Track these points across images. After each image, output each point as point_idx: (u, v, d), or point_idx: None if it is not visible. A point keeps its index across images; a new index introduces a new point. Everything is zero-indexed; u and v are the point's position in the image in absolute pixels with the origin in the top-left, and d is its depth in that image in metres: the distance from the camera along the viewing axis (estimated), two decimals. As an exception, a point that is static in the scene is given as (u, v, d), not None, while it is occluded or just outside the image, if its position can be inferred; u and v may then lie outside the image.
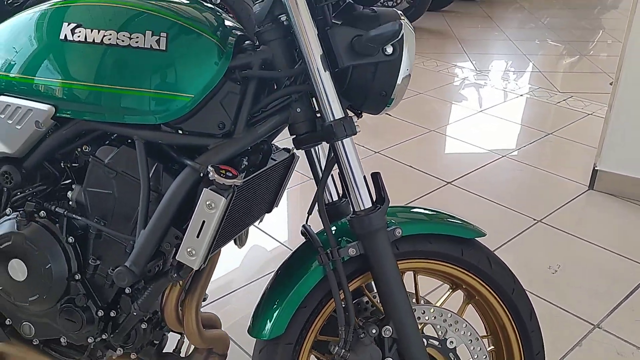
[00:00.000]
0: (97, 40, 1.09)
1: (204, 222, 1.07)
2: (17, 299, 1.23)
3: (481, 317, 1.35)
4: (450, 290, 1.35)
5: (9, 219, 1.23)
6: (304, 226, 1.26)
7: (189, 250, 1.09)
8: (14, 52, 1.16)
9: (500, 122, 3.71)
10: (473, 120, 3.69)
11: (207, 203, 1.06)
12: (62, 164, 1.25)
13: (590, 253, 2.37)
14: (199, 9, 1.17)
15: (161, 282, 1.18)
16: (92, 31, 1.09)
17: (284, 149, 1.31)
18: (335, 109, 1.10)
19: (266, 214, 1.34)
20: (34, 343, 1.30)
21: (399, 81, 1.13)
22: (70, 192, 1.23)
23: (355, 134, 1.11)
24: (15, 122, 1.17)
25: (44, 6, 1.18)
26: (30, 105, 1.15)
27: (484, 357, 1.27)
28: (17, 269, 1.20)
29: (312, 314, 1.19)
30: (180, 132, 1.12)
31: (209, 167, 1.07)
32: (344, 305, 1.14)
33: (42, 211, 1.21)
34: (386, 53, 1.10)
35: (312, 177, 1.34)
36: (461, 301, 1.34)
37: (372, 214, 1.13)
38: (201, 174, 1.09)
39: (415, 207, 1.37)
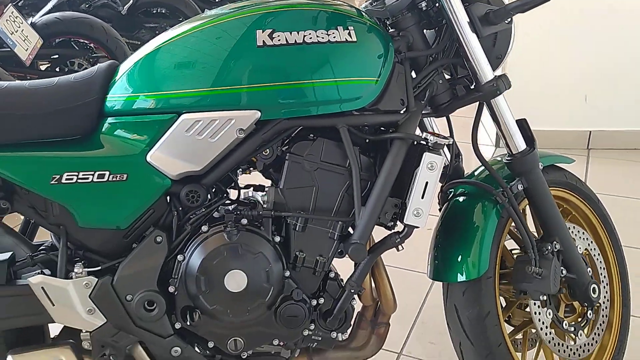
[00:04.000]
0: (299, 41, 1.16)
1: (427, 183, 1.21)
2: (234, 312, 1.21)
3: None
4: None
5: (207, 235, 1.22)
6: (450, 183, 1.45)
7: (415, 212, 1.22)
8: (199, 67, 1.18)
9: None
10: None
11: (429, 165, 1.21)
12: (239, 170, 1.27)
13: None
14: (344, 4, 1.30)
15: (379, 251, 1.27)
16: (291, 34, 1.17)
17: None
18: (487, 70, 1.32)
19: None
20: (243, 357, 1.29)
21: (510, 47, 1.39)
22: (262, 195, 1.26)
23: (511, 86, 1.34)
24: (208, 136, 1.18)
25: (213, 20, 1.21)
26: (229, 115, 1.17)
27: (598, 254, 1.58)
28: (236, 280, 1.20)
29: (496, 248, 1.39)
30: (372, 113, 1.24)
31: (425, 134, 1.22)
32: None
33: (242, 219, 1.23)
34: (506, 22, 1.35)
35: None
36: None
37: (529, 154, 1.36)
38: (415, 142, 1.23)
39: None
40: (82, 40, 3.81)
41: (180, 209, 1.25)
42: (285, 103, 1.18)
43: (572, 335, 1.48)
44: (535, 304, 1.40)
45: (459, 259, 1.36)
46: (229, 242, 1.20)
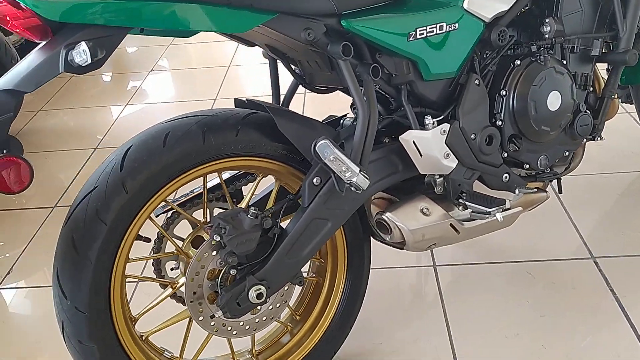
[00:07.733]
0: None
1: None
2: (553, 129, 1.41)
3: None
4: None
5: (524, 68, 1.37)
6: None
7: None
8: None
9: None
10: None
11: None
12: None
13: None
14: None
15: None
16: None
17: None
18: None
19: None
20: (545, 172, 1.49)
21: None
22: (542, 26, 1.41)
23: None
24: (519, -24, 1.31)
25: None
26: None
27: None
28: (554, 100, 1.39)
29: None
30: None
31: None
32: None
33: (541, 48, 1.39)
34: None
35: None
36: None
37: None
38: None
39: None
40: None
41: (479, 52, 1.37)
42: None
43: None
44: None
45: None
46: (546, 68, 1.37)
